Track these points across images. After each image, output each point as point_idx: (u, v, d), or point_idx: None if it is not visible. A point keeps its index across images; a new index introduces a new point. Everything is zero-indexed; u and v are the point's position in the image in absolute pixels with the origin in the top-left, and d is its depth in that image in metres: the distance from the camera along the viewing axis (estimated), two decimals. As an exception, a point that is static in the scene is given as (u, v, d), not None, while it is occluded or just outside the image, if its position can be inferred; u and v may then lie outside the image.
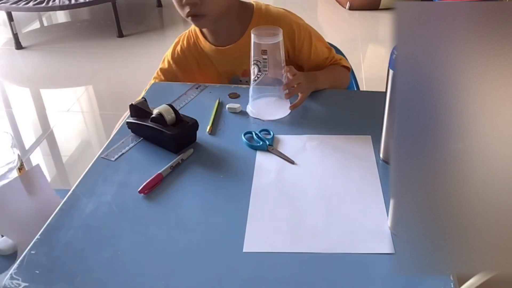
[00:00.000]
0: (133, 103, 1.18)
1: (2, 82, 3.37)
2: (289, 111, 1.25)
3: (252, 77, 1.23)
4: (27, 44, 3.80)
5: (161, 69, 1.50)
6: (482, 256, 0.50)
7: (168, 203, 0.99)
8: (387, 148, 1.06)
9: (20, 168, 1.18)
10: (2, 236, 1.13)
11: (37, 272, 0.85)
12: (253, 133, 1.16)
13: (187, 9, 1.27)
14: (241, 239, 0.89)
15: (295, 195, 0.99)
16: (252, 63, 1.21)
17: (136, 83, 3.03)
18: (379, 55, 3.47)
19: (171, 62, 1.47)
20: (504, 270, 0.50)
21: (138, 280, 0.83)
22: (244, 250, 0.87)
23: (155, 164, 1.07)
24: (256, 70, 1.21)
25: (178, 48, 1.46)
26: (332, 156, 1.10)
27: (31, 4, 3.64)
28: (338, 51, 1.56)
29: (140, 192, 1.00)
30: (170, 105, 1.14)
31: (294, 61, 1.39)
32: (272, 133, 1.16)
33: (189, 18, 1.30)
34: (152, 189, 1.01)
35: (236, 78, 1.45)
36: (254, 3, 1.42)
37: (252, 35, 1.18)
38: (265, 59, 1.19)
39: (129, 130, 1.20)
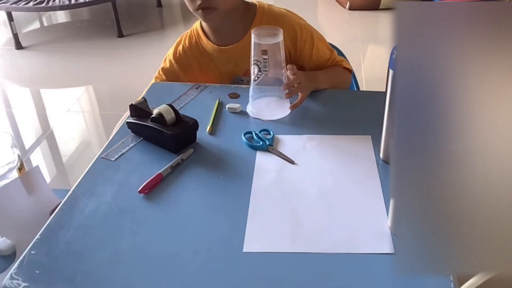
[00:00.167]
0: (133, 103, 1.18)
1: (2, 82, 3.37)
2: (289, 111, 1.25)
3: (252, 77, 1.23)
4: (27, 44, 3.80)
5: (162, 69, 1.50)
6: (482, 256, 0.50)
7: (168, 203, 0.99)
8: (387, 148, 1.06)
9: (20, 168, 1.18)
10: (1, 236, 1.13)
11: (37, 272, 0.85)
12: (253, 133, 1.16)
13: (198, 1, 1.27)
14: (241, 239, 0.89)
15: (295, 195, 0.99)
16: (252, 63, 1.21)
17: (136, 83, 3.03)
18: (379, 55, 3.47)
19: (172, 61, 1.47)
20: (504, 270, 0.50)
21: (138, 280, 0.83)
22: (244, 250, 0.87)
23: (155, 164, 1.07)
24: (256, 70, 1.21)
25: (180, 47, 1.46)
26: (332, 156, 1.10)
27: (31, 4, 3.64)
28: (338, 51, 1.56)
29: (140, 192, 1.00)
30: (170, 105, 1.14)
31: (295, 61, 1.39)
32: (272, 133, 1.16)
33: (199, 11, 1.30)
34: (152, 189, 1.01)
35: (238, 77, 1.45)
36: (257, 2, 1.42)
37: (252, 35, 1.18)
38: (265, 59, 1.19)
39: (129, 130, 1.20)
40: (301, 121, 1.23)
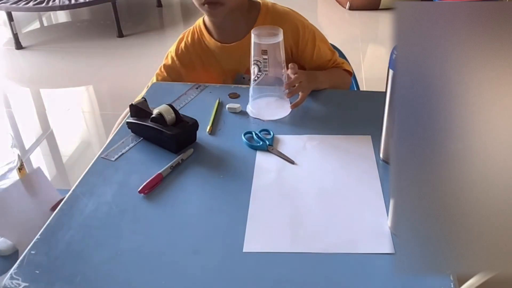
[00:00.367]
0: (133, 103, 1.18)
1: (2, 82, 3.37)
2: (289, 111, 1.25)
3: (252, 77, 1.23)
4: (27, 44, 3.80)
5: (164, 66, 1.49)
6: (482, 256, 0.50)
7: (168, 203, 0.99)
8: (387, 148, 1.06)
9: (20, 168, 1.18)
10: (1, 237, 1.13)
11: (37, 272, 0.85)
12: (253, 133, 1.16)
13: None
14: (241, 239, 0.89)
15: (295, 195, 0.99)
16: (252, 63, 1.21)
17: (136, 83, 3.02)
18: (379, 55, 3.47)
19: (174, 58, 1.47)
20: (504, 270, 0.50)
21: (138, 280, 0.83)
22: (244, 250, 0.87)
23: (155, 164, 1.07)
24: (256, 70, 1.21)
25: (182, 44, 1.46)
26: (332, 156, 1.10)
27: (31, 4, 3.64)
28: (339, 52, 1.56)
29: (140, 192, 1.00)
30: (170, 105, 1.14)
31: (296, 60, 1.38)
32: (272, 133, 1.16)
33: (205, 6, 1.29)
34: (152, 189, 1.01)
35: (240, 75, 1.45)
36: (261, 0, 1.41)
37: (252, 35, 1.18)
38: (265, 59, 1.19)
39: (129, 130, 1.20)
40: (301, 121, 1.23)
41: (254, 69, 1.22)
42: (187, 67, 1.46)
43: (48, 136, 2.70)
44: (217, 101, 1.31)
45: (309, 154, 1.11)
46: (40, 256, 0.87)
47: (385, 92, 1.02)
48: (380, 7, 4.01)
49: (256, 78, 1.23)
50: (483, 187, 0.47)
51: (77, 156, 2.56)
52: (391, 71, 0.99)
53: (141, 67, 3.35)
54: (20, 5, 3.63)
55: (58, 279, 0.84)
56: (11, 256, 1.08)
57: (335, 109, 1.28)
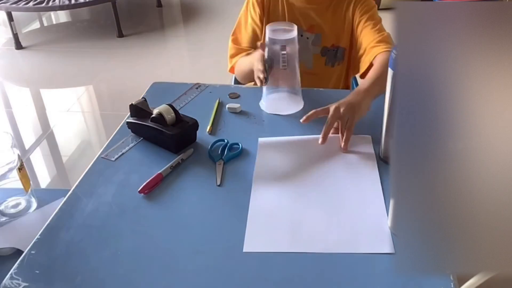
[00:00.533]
0: (133, 103, 1.18)
1: (2, 82, 3.37)
2: (303, 104, 1.25)
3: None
4: (27, 44, 3.80)
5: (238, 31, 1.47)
6: (482, 256, 0.50)
7: (168, 203, 0.99)
8: (387, 148, 1.06)
9: (20, 168, 1.18)
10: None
11: (37, 272, 0.85)
12: (225, 140, 1.14)
13: None
14: (241, 239, 0.89)
15: (295, 195, 0.99)
16: (266, 58, 1.20)
17: (136, 83, 3.03)
18: (379, 55, 3.46)
19: (255, 5, 1.44)
20: (504, 270, 0.50)
21: (138, 280, 0.83)
22: (244, 250, 0.87)
23: (155, 164, 1.07)
24: (267, 66, 1.21)
25: None
26: (333, 155, 1.10)
27: (31, 4, 3.64)
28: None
29: (140, 192, 1.00)
30: (170, 105, 1.14)
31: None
32: (240, 147, 1.13)
33: None
34: (152, 189, 1.01)
35: (300, 30, 1.42)
36: None
37: (267, 31, 1.18)
38: (284, 54, 1.19)
39: (129, 130, 1.20)
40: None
41: (267, 65, 1.21)
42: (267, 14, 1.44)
43: (48, 136, 2.70)
44: (217, 101, 1.31)
45: (309, 154, 1.11)
46: (40, 256, 0.87)
47: (385, 92, 1.02)
48: (380, 7, 4.01)
49: (269, 74, 1.21)
50: (483, 187, 0.47)
51: (77, 156, 2.56)
52: (391, 71, 0.99)
53: (141, 67, 3.35)
54: (20, 5, 3.63)
55: (58, 279, 0.84)
56: (10, 255, 1.08)
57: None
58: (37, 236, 0.92)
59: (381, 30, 1.38)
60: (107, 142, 1.18)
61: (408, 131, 0.46)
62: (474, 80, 0.44)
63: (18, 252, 1.05)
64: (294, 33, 1.18)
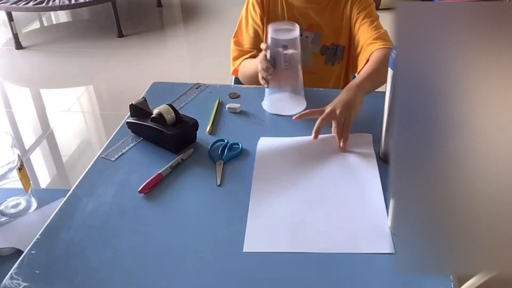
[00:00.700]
0: (133, 103, 1.18)
1: (2, 82, 3.37)
2: (305, 105, 1.25)
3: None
4: (27, 44, 3.80)
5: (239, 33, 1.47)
6: (482, 256, 0.50)
7: (168, 203, 0.99)
8: (387, 148, 1.06)
9: (20, 168, 1.18)
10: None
11: (37, 272, 0.85)
12: (226, 140, 1.14)
13: None
14: (241, 239, 0.89)
15: (295, 195, 0.99)
16: (269, 58, 1.21)
17: (136, 83, 3.03)
18: (379, 55, 3.46)
19: (256, 5, 1.44)
20: (504, 270, 0.50)
21: (138, 280, 0.83)
22: (244, 250, 0.87)
23: (155, 164, 1.07)
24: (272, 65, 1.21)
25: None
26: (333, 155, 1.10)
27: (31, 4, 3.64)
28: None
29: (140, 192, 1.00)
30: (170, 105, 1.14)
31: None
32: (240, 147, 1.13)
33: None
34: (152, 189, 1.01)
35: (300, 29, 1.43)
36: None
37: (270, 31, 1.18)
38: (286, 54, 1.19)
39: (129, 130, 1.20)
40: (302, 121, 1.23)
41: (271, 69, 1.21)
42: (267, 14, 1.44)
43: (48, 136, 2.70)
44: (217, 101, 1.31)
45: (309, 153, 1.11)
46: (40, 256, 0.87)
47: (385, 92, 1.02)
48: (380, 7, 4.01)
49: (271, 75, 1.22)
50: (483, 187, 0.47)
51: (77, 156, 2.56)
52: (391, 71, 0.99)
53: (141, 67, 3.35)
54: (20, 5, 3.63)
55: (58, 279, 0.84)
56: (10, 255, 1.08)
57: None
58: (37, 236, 0.92)
59: (378, 27, 1.38)
60: (107, 142, 1.18)
61: (408, 131, 0.46)
62: (474, 80, 0.44)
63: (18, 252, 1.05)
64: (296, 32, 1.18)
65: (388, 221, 0.91)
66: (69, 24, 4.36)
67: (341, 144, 1.10)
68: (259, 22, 1.43)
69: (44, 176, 2.41)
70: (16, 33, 3.70)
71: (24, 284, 0.82)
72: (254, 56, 1.38)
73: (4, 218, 1.18)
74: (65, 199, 1.00)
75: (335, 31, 1.44)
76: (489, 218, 0.48)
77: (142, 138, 1.18)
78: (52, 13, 4.45)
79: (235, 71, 1.47)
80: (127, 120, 1.20)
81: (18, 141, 2.61)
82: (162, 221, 0.95)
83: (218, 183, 1.03)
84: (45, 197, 1.25)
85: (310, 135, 1.16)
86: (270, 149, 1.13)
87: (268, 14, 1.45)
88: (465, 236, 0.49)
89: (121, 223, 0.94)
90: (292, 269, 0.83)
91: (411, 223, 0.49)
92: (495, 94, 0.45)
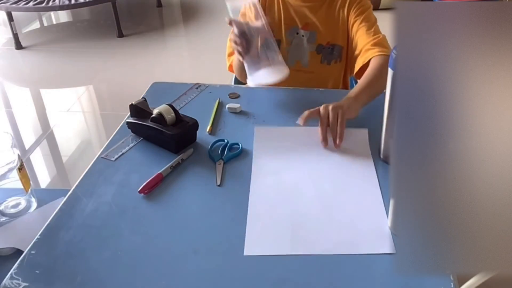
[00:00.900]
0: (133, 103, 1.18)
1: (2, 82, 3.37)
2: (285, 72, 1.25)
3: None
4: (27, 44, 3.80)
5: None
6: (482, 256, 0.50)
7: (168, 203, 0.99)
8: (387, 148, 1.06)
9: (20, 168, 1.18)
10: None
11: (37, 272, 0.85)
12: (226, 141, 1.14)
13: None
14: (241, 239, 0.89)
15: (294, 197, 0.99)
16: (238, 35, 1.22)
17: (136, 83, 3.03)
18: (379, 55, 3.46)
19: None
20: (504, 270, 0.50)
21: (138, 280, 0.83)
22: (245, 254, 0.86)
23: (155, 164, 1.07)
24: (245, 42, 1.22)
25: None
26: (330, 153, 1.10)
27: (31, 4, 3.64)
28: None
29: (140, 192, 1.00)
30: (170, 105, 1.14)
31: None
32: (240, 147, 1.13)
33: None
34: (152, 189, 1.01)
35: (295, 29, 1.45)
36: None
37: (227, 5, 1.20)
38: (248, 23, 1.20)
39: (129, 130, 1.20)
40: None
41: (242, 42, 1.22)
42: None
43: (48, 136, 2.70)
44: (217, 101, 1.31)
45: (307, 151, 1.11)
46: (40, 256, 0.87)
47: (385, 92, 1.02)
48: (380, 7, 4.02)
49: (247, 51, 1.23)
50: (483, 187, 0.47)
51: (77, 156, 2.56)
52: (391, 71, 0.99)
53: (141, 67, 3.35)
54: (20, 5, 3.63)
55: (58, 279, 0.84)
56: (11, 255, 1.08)
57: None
58: (37, 236, 0.92)
59: (376, 32, 1.38)
60: (107, 142, 1.18)
61: (408, 131, 0.46)
62: (474, 80, 0.44)
63: (18, 252, 1.05)
64: None
65: (388, 221, 0.91)
66: (69, 24, 4.36)
67: (338, 141, 1.10)
68: (254, 19, 1.43)
69: (44, 176, 2.41)
70: (16, 33, 3.70)
71: (24, 284, 0.82)
72: None
73: (4, 218, 1.18)
74: (65, 199, 1.00)
75: (330, 31, 1.44)
76: (489, 218, 0.48)
77: (142, 138, 1.18)
78: (52, 13, 4.45)
79: (230, 67, 1.48)
80: (127, 120, 1.20)
81: (18, 141, 2.61)
82: (162, 221, 0.95)
83: (218, 183, 1.03)
84: (45, 197, 1.25)
85: (310, 134, 1.16)
86: (267, 141, 1.14)
87: (265, 12, 1.45)
88: (465, 236, 0.49)
89: (121, 223, 0.94)
90: (293, 272, 0.83)
91: (411, 223, 0.49)
92: (495, 94, 0.45)
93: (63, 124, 2.82)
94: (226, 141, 1.14)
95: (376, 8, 4.10)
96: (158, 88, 1.42)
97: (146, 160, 1.12)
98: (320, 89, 1.37)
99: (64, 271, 0.85)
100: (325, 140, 1.11)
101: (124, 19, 4.01)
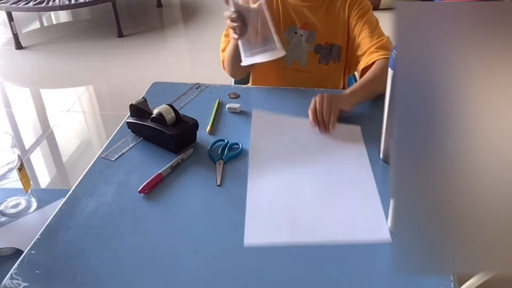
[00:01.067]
0: (133, 103, 1.18)
1: (2, 82, 3.37)
2: (282, 51, 1.25)
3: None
4: (27, 44, 3.80)
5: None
6: (482, 256, 0.50)
7: (168, 203, 0.99)
8: (387, 148, 1.06)
9: (20, 168, 1.18)
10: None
11: (37, 272, 0.85)
12: (226, 141, 1.15)
13: None
14: (241, 239, 0.89)
15: (292, 186, 1.00)
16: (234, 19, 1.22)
17: (136, 83, 3.03)
18: (379, 55, 3.46)
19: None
20: (504, 270, 0.50)
21: (138, 280, 0.83)
22: (245, 244, 0.87)
23: (155, 164, 1.07)
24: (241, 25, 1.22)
25: None
26: (324, 143, 1.13)
27: (31, 4, 3.64)
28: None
29: (140, 192, 1.00)
30: (170, 105, 1.14)
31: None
32: (240, 147, 1.13)
33: None
34: (152, 189, 1.01)
35: (293, 28, 1.45)
36: None
37: None
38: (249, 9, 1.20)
39: (129, 130, 1.20)
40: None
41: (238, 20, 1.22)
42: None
43: (48, 136, 2.70)
44: (217, 101, 1.31)
45: (304, 146, 1.12)
46: (40, 256, 0.87)
47: (385, 92, 1.02)
48: (380, 7, 4.02)
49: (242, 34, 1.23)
50: (483, 187, 0.47)
51: (77, 156, 2.56)
52: (391, 71, 0.99)
53: (141, 67, 3.35)
54: (20, 5, 3.63)
55: (58, 279, 0.84)
56: (10, 255, 1.08)
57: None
58: (37, 236, 0.92)
59: (380, 34, 1.38)
60: (107, 142, 1.18)
61: (408, 131, 0.46)
62: (474, 80, 0.44)
63: (18, 252, 1.05)
64: None
65: (388, 221, 0.91)
66: (69, 24, 4.36)
67: (330, 127, 1.14)
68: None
69: (44, 176, 2.41)
70: (16, 33, 3.70)
71: (24, 284, 0.82)
72: None
73: (4, 218, 1.18)
74: (65, 199, 1.00)
75: (329, 31, 1.43)
76: (489, 218, 0.48)
77: (142, 138, 1.18)
78: (52, 13, 4.45)
79: (223, 62, 1.47)
80: (127, 120, 1.20)
81: (18, 141, 2.60)
82: (162, 221, 0.95)
83: (218, 183, 1.03)
84: (45, 197, 1.25)
85: (307, 125, 1.17)
86: (264, 130, 1.17)
87: None
88: (465, 236, 0.49)
89: (121, 223, 0.94)
90: (293, 267, 0.83)
91: (411, 223, 0.49)
92: (495, 94, 0.45)
93: (63, 124, 2.82)
94: (226, 141, 1.14)
95: (376, 8, 4.10)
96: (158, 88, 1.42)
97: (146, 160, 1.12)
98: (320, 89, 1.37)
99: (64, 271, 0.85)
100: (314, 121, 1.16)
101: (124, 19, 4.00)
